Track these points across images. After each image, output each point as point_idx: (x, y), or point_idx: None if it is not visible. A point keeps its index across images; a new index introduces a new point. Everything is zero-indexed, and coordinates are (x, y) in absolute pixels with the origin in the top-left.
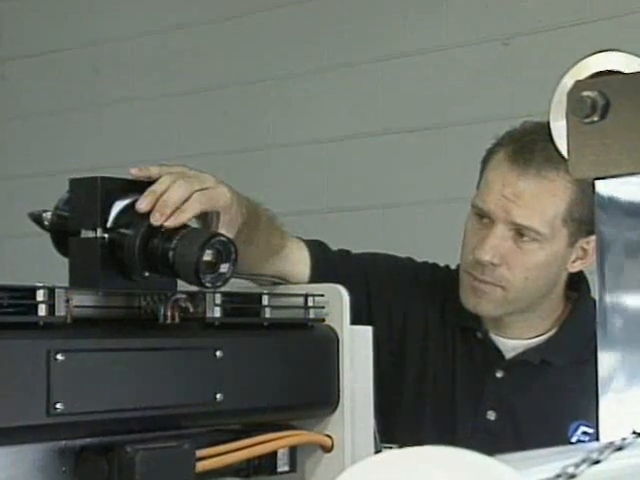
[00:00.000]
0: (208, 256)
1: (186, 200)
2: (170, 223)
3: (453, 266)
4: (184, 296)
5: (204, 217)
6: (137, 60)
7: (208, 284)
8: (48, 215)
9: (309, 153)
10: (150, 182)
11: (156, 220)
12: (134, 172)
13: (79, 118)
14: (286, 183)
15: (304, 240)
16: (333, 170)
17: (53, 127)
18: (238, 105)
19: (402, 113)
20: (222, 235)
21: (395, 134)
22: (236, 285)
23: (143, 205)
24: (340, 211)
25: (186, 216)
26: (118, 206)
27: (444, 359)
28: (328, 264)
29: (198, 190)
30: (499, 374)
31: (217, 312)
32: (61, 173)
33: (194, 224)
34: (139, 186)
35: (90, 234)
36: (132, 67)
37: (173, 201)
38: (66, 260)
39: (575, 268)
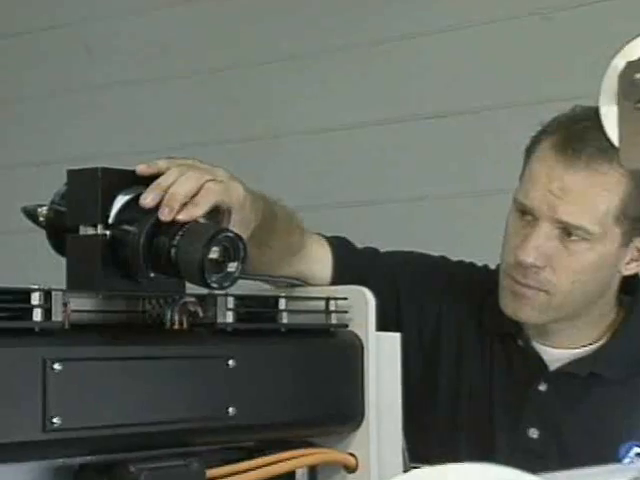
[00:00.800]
0: (214, 253)
1: (196, 194)
2: (181, 217)
3: (492, 266)
4: (193, 299)
5: (214, 213)
6: (134, 40)
7: (214, 284)
8: (43, 210)
9: (323, 142)
10: (157, 175)
11: (165, 216)
12: (142, 169)
13: (71, 103)
14: (297, 175)
15: (326, 237)
16: (350, 160)
17: (42, 113)
18: (244, 89)
19: (431, 96)
20: (229, 230)
21: (425, 119)
22: (250, 287)
23: (148, 200)
24: (360, 205)
25: (200, 210)
26: (121, 200)
27: (481, 369)
28: (352, 264)
29: (210, 181)
30: (542, 387)
31: (229, 317)
32: (53, 163)
33: (201, 220)
34: (144, 178)
35: (90, 231)
36: (128, 48)
37: (182, 194)
38: (63, 259)
39: (629, 270)
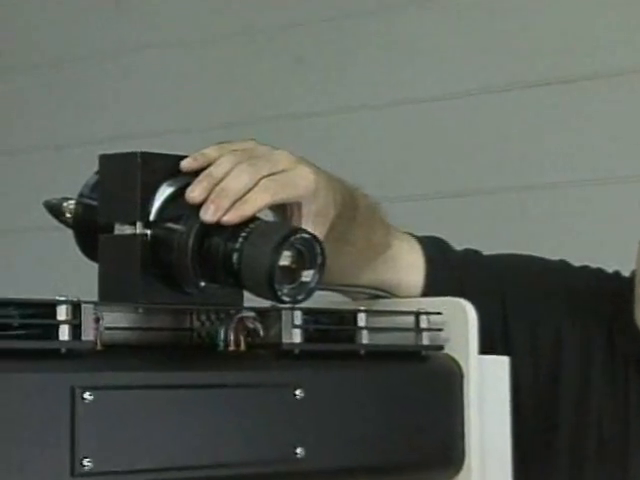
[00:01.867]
0: (286, 260)
1: (251, 189)
2: (228, 218)
3: (626, 272)
4: (252, 315)
5: (281, 209)
6: None
7: (286, 298)
8: (70, 205)
9: (413, 115)
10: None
11: (209, 216)
12: (187, 164)
13: (94, 70)
14: (380, 158)
15: (416, 237)
16: (448, 138)
17: (59, 83)
18: (315, 50)
19: (551, 59)
20: (305, 231)
21: (540, 86)
22: (322, 299)
23: (196, 193)
24: (458, 196)
25: (249, 210)
26: (164, 192)
27: (613, 403)
28: (449, 270)
29: (267, 175)
30: None
31: (297, 336)
32: (71, 146)
33: (268, 217)
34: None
35: (127, 230)
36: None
37: (234, 190)
38: (94, 265)
39: None
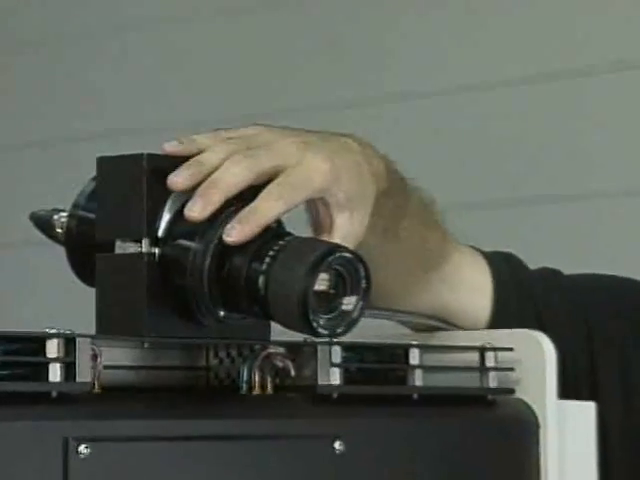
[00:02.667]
0: (322, 284)
1: (258, 189)
2: (238, 235)
3: None
4: (282, 351)
5: (310, 207)
6: None
7: (322, 330)
8: (62, 217)
9: (466, 105)
10: None
11: (197, 212)
12: (170, 147)
13: (84, 49)
14: (422, 159)
15: (482, 252)
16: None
17: (43, 67)
18: (347, 29)
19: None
20: (346, 249)
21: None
22: (366, 331)
23: (179, 178)
24: (525, 204)
25: (261, 221)
26: (176, 203)
27: None
28: (522, 294)
29: (270, 170)
30: None
31: (336, 377)
32: (60, 141)
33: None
34: None
35: (131, 248)
36: None
37: (227, 184)
38: (91, 290)
39: None
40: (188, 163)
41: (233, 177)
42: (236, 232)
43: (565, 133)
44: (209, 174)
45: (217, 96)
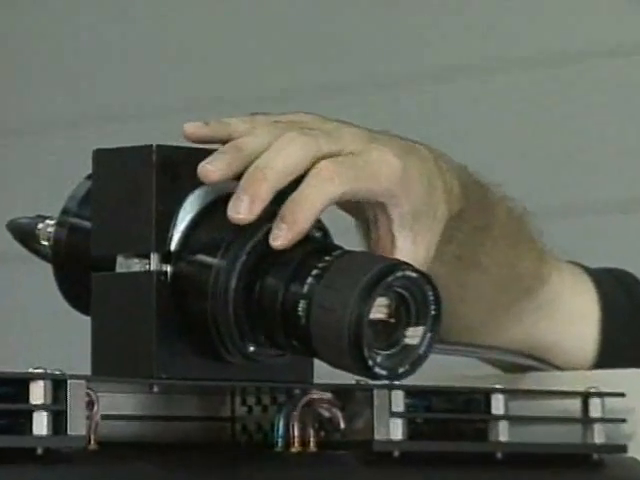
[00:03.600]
0: (381, 311)
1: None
2: (282, 242)
3: None
4: (328, 397)
5: (364, 219)
6: None
7: (380, 371)
8: (48, 227)
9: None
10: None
11: (242, 214)
12: (193, 129)
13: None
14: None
15: (587, 269)
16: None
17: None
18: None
19: None
20: (409, 267)
21: None
22: (435, 373)
23: (211, 167)
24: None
25: (306, 212)
26: (193, 207)
27: None
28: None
29: (330, 156)
30: None
31: (397, 430)
32: (41, 125)
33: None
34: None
35: (136, 266)
36: None
37: (278, 170)
38: (85, 319)
39: None
40: (222, 149)
41: (285, 160)
42: (284, 232)
43: None
44: (251, 162)
45: (234, 73)
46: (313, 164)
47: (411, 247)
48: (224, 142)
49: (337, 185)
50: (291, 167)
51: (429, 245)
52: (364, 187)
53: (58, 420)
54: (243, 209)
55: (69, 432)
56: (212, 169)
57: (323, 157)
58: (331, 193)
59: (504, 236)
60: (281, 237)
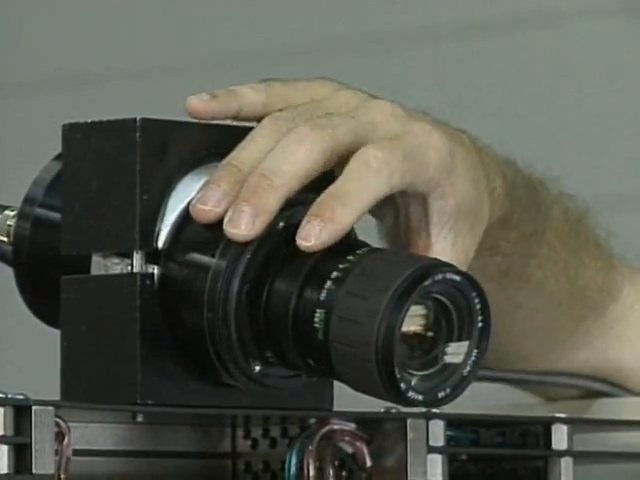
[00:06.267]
0: (415, 323)
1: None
2: (315, 242)
3: None
4: (351, 427)
5: (388, 210)
6: None
7: (415, 395)
8: (7, 219)
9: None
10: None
11: (236, 230)
12: (198, 104)
13: None
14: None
15: None
16: None
17: None
18: None
19: None
20: (450, 267)
21: None
22: (481, 401)
23: (206, 205)
24: None
25: (348, 214)
26: (186, 195)
27: None
28: None
29: (355, 146)
30: None
31: (436, 468)
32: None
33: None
34: (235, 139)
35: (116, 266)
36: None
37: (286, 175)
38: (53, 332)
39: None
40: (217, 174)
41: (294, 163)
42: (318, 230)
43: None
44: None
45: (239, 30)
46: (333, 159)
47: (450, 250)
48: (234, 118)
49: (386, 177)
50: (302, 170)
51: (469, 250)
52: (414, 178)
53: (21, 455)
54: (244, 224)
55: (34, 470)
56: (205, 208)
57: (345, 149)
58: (380, 186)
59: (561, 244)
60: (313, 236)
